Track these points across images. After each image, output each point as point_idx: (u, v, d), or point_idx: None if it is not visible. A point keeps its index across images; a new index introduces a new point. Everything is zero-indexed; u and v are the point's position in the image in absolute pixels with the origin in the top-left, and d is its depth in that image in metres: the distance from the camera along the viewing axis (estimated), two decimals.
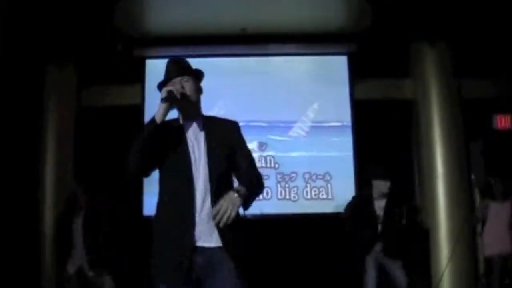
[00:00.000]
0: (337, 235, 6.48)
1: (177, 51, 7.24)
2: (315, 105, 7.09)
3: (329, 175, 6.93)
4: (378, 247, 5.29)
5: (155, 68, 7.22)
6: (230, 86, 7.03)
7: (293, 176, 6.95)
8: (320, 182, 6.93)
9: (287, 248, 6.58)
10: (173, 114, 2.78)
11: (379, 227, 5.31)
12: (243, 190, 2.53)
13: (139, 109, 7.04)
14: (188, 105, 2.72)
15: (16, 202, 6.38)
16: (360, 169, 6.85)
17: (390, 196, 5.36)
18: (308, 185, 6.93)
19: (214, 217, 2.46)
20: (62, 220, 5.33)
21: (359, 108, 7.06)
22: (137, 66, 7.15)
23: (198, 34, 6.97)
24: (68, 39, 6.67)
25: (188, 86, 2.72)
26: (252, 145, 6.93)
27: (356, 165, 6.91)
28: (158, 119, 2.60)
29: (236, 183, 2.72)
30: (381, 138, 6.82)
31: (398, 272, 5.21)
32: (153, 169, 2.73)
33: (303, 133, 7.04)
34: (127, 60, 7.05)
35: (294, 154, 7.00)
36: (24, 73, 6.69)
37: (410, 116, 7.13)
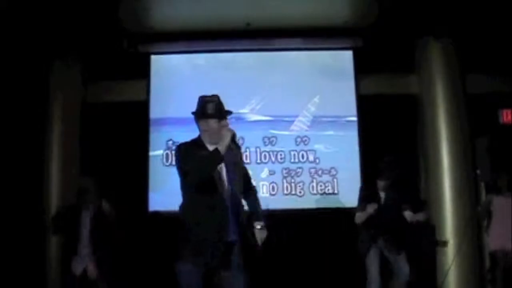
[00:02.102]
0: (343, 230, 6.49)
1: (182, 47, 7.26)
2: (320, 100, 7.08)
3: (335, 170, 6.93)
4: (381, 238, 5.29)
5: (160, 64, 7.25)
6: (235, 80, 7.03)
7: (298, 171, 6.95)
8: (325, 177, 6.93)
9: (294, 244, 6.59)
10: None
11: (384, 218, 5.28)
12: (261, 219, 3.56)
13: (145, 105, 7.06)
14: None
15: (22, 198, 6.41)
16: (365, 163, 6.85)
17: (395, 190, 5.35)
18: (314, 180, 6.93)
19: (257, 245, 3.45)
20: (70, 216, 5.29)
21: (364, 102, 7.05)
22: (142, 62, 7.16)
23: (203, 30, 6.96)
24: (74, 36, 6.68)
25: (225, 122, 3.42)
26: (257, 140, 6.95)
27: (361, 160, 6.90)
28: (223, 152, 3.25)
29: None
30: (387, 133, 6.80)
31: (401, 263, 5.22)
32: None
33: (307, 128, 7.04)
34: (132, 56, 7.06)
35: (300, 149, 6.99)
36: (30, 69, 6.71)
37: (415, 111, 7.11)
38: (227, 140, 3.27)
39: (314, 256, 6.59)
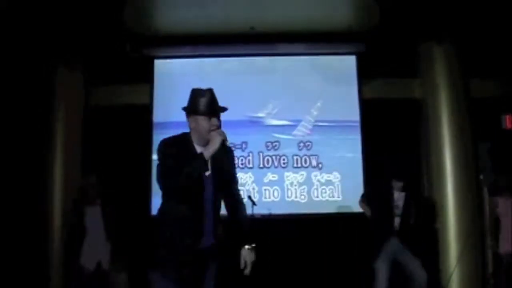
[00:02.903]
0: (345, 235, 6.50)
1: (186, 51, 7.27)
2: (322, 104, 7.09)
3: (338, 174, 6.93)
4: (394, 240, 5.23)
5: (164, 68, 7.27)
6: (237, 84, 7.04)
7: (301, 176, 6.95)
8: (328, 182, 6.92)
9: (296, 248, 6.59)
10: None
11: (397, 219, 5.25)
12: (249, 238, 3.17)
13: (148, 108, 7.07)
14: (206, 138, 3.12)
15: (25, 200, 6.42)
16: (368, 168, 6.85)
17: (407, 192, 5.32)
18: (317, 185, 6.92)
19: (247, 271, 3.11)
20: (75, 212, 5.34)
21: (367, 107, 7.05)
22: (146, 66, 7.17)
23: (207, 34, 6.98)
24: (77, 39, 6.70)
25: (216, 121, 3.13)
26: (260, 144, 6.96)
27: (364, 164, 6.90)
28: (208, 157, 3.01)
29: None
30: (390, 137, 6.80)
31: (418, 270, 5.12)
32: None
33: (310, 132, 7.04)
34: (136, 59, 7.07)
35: (303, 153, 6.99)
36: (34, 72, 6.72)
37: (418, 116, 7.11)
38: (216, 145, 3.00)
39: (317, 261, 6.58)
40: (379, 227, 5.30)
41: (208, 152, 2.98)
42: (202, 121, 3.08)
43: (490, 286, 6.37)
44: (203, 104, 3.09)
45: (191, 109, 3.12)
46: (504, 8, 6.01)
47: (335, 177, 6.93)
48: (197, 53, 7.22)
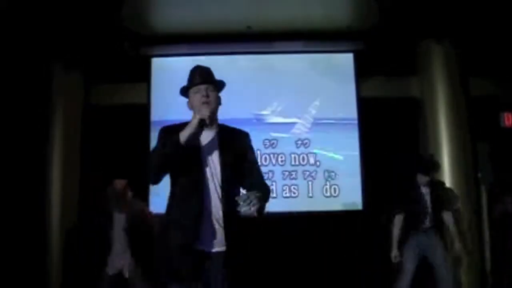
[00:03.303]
0: (343, 232, 6.50)
1: (183, 50, 7.27)
2: (320, 103, 7.09)
3: (335, 172, 6.92)
4: (424, 235, 5.20)
5: (161, 67, 7.26)
6: (234, 83, 7.02)
7: (299, 174, 6.94)
8: (325, 180, 6.92)
9: (293, 246, 6.59)
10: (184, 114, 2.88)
11: (427, 215, 5.22)
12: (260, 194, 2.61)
13: (146, 107, 7.07)
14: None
15: (24, 199, 6.42)
16: (366, 166, 6.85)
17: (433, 185, 5.30)
18: (314, 182, 6.92)
19: (239, 205, 2.52)
20: (104, 216, 5.09)
21: (365, 105, 7.04)
22: (144, 65, 7.17)
23: (204, 33, 6.97)
24: (75, 38, 6.69)
25: (213, 96, 2.80)
26: (258, 142, 6.95)
27: (362, 163, 6.89)
28: (183, 141, 2.62)
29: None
30: (388, 135, 6.80)
31: (445, 270, 5.09)
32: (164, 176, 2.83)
33: (308, 130, 7.03)
34: (133, 58, 7.06)
35: (300, 151, 6.99)
36: (32, 72, 6.72)
37: (416, 114, 7.11)
38: (192, 126, 2.62)
39: (314, 259, 6.58)
40: (409, 225, 5.24)
41: (182, 135, 2.61)
42: (193, 95, 2.80)
43: (490, 284, 6.38)
44: (195, 76, 2.83)
45: (185, 87, 2.87)
46: (502, 6, 6.01)
47: (332, 175, 6.92)
48: (194, 52, 7.21)
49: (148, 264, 5.01)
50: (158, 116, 7.04)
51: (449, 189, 5.89)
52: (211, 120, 2.73)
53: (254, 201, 2.52)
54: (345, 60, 7.23)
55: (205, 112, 2.67)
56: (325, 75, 7.18)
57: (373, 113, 6.97)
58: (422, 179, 5.25)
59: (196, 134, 2.67)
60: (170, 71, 7.20)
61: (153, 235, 5.13)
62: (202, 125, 2.66)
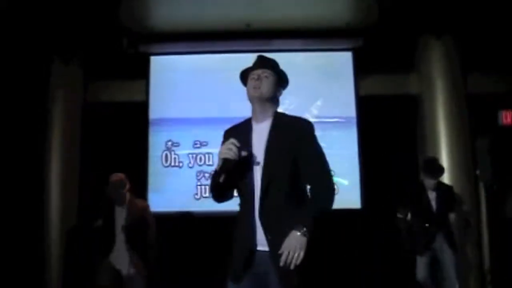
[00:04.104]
0: (342, 231, 6.50)
1: (182, 48, 7.26)
2: (319, 101, 7.08)
3: (334, 170, 6.89)
4: (436, 239, 5.27)
5: (160, 64, 7.26)
6: (233, 81, 7.01)
7: None
8: None
9: None
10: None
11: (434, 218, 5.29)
12: (307, 224, 2.51)
13: (144, 105, 7.06)
14: (260, 104, 2.67)
15: (22, 197, 6.42)
16: (365, 164, 6.84)
17: (439, 189, 5.39)
18: None
19: (281, 261, 2.40)
20: (106, 211, 5.05)
21: (364, 103, 7.04)
22: (142, 62, 7.16)
23: (203, 31, 6.96)
24: (74, 35, 6.69)
25: (266, 82, 2.65)
26: None
27: (360, 161, 6.89)
28: (221, 180, 2.47)
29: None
30: (386, 133, 6.80)
31: (452, 272, 5.19)
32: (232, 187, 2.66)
33: None
34: (132, 56, 7.05)
35: None
36: (30, 68, 6.72)
37: (415, 111, 7.11)
38: (219, 168, 2.44)
39: (312, 258, 6.57)
40: (420, 229, 5.31)
41: (217, 178, 2.47)
42: (249, 83, 2.68)
43: (488, 282, 6.39)
44: (254, 63, 2.71)
45: (243, 73, 2.77)
46: (501, 3, 6.01)
47: (331, 173, 6.90)
48: (193, 50, 7.21)
49: (146, 260, 5.02)
50: (157, 113, 7.04)
51: (454, 192, 5.96)
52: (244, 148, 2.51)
53: (295, 255, 2.43)
54: (344, 58, 7.21)
55: (254, 93, 2.59)
56: (324, 73, 7.17)
57: (372, 111, 6.96)
58: (429, 183, 5.37)
59: (229, 173, 2.45)
60: (168, 69, 7.21)
61: (152, 232, 5.16)
62: (227, 167, 2.44)
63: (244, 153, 2.49)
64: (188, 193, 6.74)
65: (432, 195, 5.37)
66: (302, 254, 2.45)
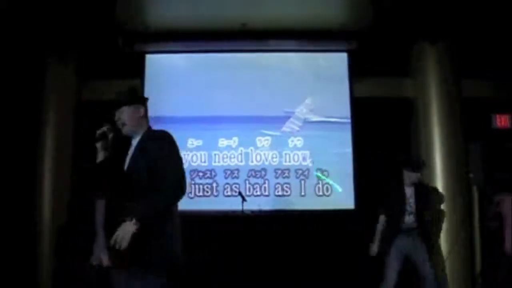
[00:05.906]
0: (335, 231, 6.50)
1: (177, 46, 7.26)
2: (313, 102, 7.09)
3: (328, 172, 6.93)
4: (408, 235, 5.21)
5: (155, 63, 7.25)
6: (228, 80, 7.05)
7: (291, 173, 6.95)
8: (317, 179, 6.92)
9: (285, 245, 6.60)
10: None
11: (411, 215, 5.22)
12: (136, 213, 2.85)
13: None
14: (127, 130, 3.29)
15: (15, 195, 6.40)
16: (358, 166, 6.86)
17: (417, 186, 5.28)
18: (306, 181, 6.92)
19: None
20: (86, 205, 5.04)
21: (358, 105, 7.05)
22: (138, 61, 7.15)
23: (199, 30, 6.96)
24: (69, 33, 6.67)
25: (124, 115, 3.29)
26: (250, 140, 6.95)
27: (355, 162, 6.90)
28: None
29: None
30: (380, 135, 6.82)
31: (428, 268, 5.11)
32: None
33: (300, 129, 7.03)
34: (127, 54, 7.05)
35: (293, 150, 7.00)
36: (25, 67, 6.70)
37: (409, 114, 7.13)
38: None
39: (307, 257, 6.59)
40: (391, 224, 5.26)
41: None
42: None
43: (479, 285, 6.40)
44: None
45: None
46: (496, 8, 6.04)
47: (325, 174, 6.93)
48: (188, 49, 7.21)
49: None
50: (152, 112, 6.96)
51: (433, 189, 5.93)
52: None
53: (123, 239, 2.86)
54: (339, 60, 7.23)
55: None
56: (318, 74, 7.19)
57: (366, 112, 6.98)
58: (408, 176, 5.24)
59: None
60: (164, 68, 7.21)
61: None
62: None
63: None
64: None
65: (409, 191, 5.25)
66: (127, 239, 2.88)
